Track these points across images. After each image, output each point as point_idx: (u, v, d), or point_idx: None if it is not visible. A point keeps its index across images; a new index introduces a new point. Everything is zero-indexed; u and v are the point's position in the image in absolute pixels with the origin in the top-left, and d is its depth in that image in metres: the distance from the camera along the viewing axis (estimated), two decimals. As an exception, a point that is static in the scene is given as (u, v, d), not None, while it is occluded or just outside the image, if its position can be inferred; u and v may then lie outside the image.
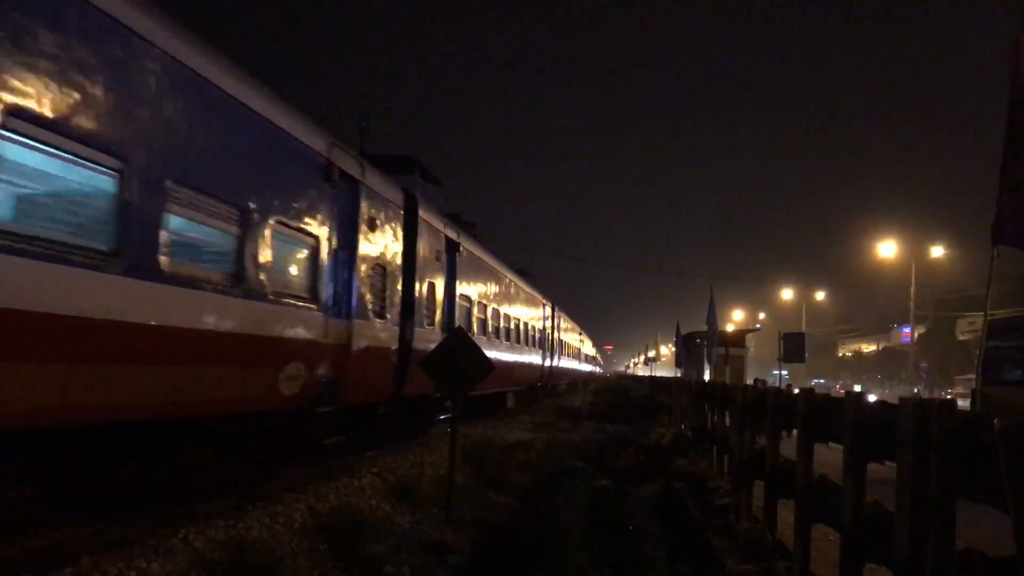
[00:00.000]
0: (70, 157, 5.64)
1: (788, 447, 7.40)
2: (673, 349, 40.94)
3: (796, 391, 7.44)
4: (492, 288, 20.72)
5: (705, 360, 23.62)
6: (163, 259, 6.60)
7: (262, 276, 8.15)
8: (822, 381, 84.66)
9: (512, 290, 24.29)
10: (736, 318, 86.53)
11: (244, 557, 6.34)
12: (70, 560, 5.90)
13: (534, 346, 29.03)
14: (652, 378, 51.57)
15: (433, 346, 10.62)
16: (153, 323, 6.53)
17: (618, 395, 41.57)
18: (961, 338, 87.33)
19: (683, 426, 19.55)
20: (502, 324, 22.02)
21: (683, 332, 33.05)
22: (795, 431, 6.78)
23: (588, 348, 69.94)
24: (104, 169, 5.92)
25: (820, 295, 78.77)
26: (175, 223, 6.82)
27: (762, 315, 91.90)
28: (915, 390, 59.10)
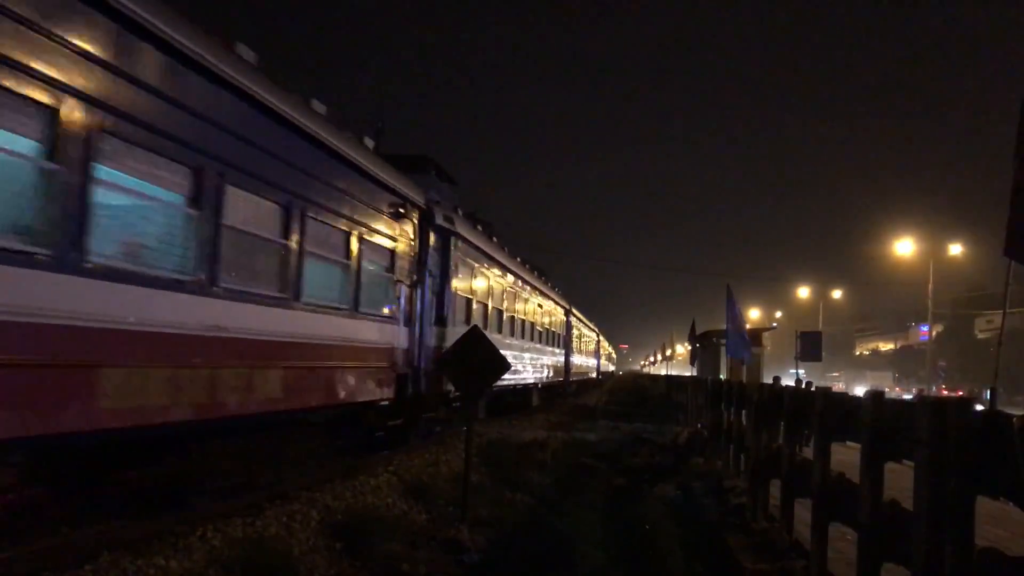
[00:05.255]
0: None
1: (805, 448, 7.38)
2: (688, 348, 40.81)
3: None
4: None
5: (723, 358, 23.43)
6: None
7: None
8: (841, 384, 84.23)
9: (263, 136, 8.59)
10: (753, 316, 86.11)
11: (261, 555, 6.38)
12: (90, 557, 5.97)
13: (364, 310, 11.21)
14: (668, 377, 51.44)
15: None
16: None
17: (634, 394, 41.47)
18: (980, 336, 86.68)
19: (699, 425, 19.49)
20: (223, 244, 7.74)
21: (699, 330, 32.91)
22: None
23: (587, 334, 47.84)
24: None
25: (837, 293, 78.34)
26: None
27: (779, 314, 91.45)
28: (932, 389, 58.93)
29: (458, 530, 8.41)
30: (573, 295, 41.04)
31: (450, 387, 14.29)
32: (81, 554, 6.04)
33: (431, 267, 14.30)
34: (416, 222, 13.66)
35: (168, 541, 6.60)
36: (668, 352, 78.20)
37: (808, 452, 7.04)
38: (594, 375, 56.21)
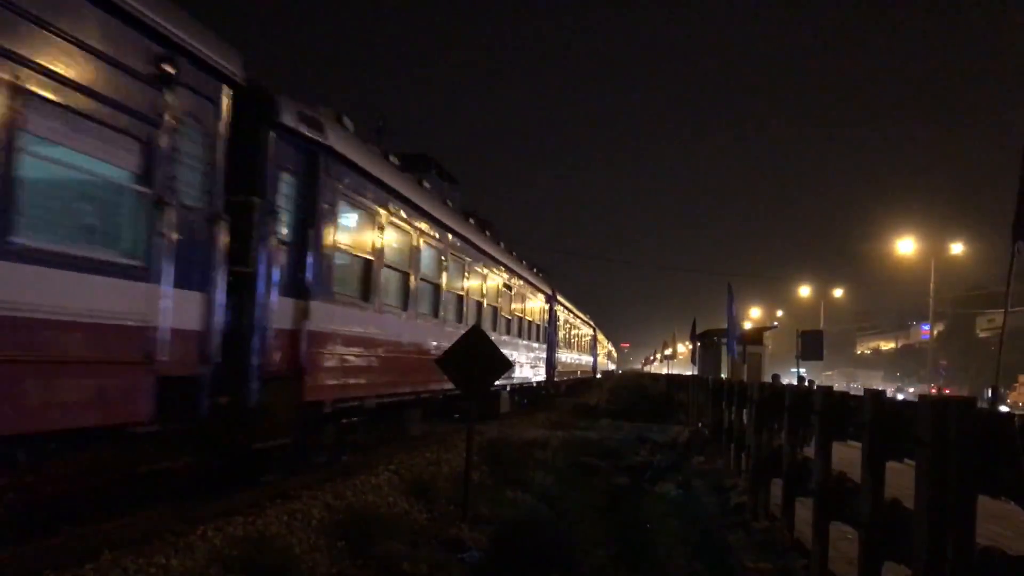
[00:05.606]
0: None
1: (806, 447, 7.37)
2: (689, 346, 40.74)
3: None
4: None
5: (724, 356, 23.45)
6: None
7: None
8: (844, 383, 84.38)
9: None
10: (754, 315, 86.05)
11: (262, 554, 6.38)
12: (91, 556, 5.97)
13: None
14: (669, 376, 51.42)
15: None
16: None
17: (635, 393, 41.42)
18: (981, 335, 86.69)
19: (700, 424, 19.50)
20: None
21: (700, 329, 32.94)
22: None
23: (578, 327, 40.69)
24: None
25: (838, 292, 78.37)
26: None
27: (780, 312, 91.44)
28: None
29: (459, 529, 8.41)
30: (579, 298, 39.91)
31: (326, 396, 9.79)
32: (82, 553, 6.04)
33: (276, 198, 8.67)
34: (226, 107, 7.76)
35: (169, 540, 6.60)
36: (669, 351, 78.19)
37: (809, 451, 7.04)
38: (590, 374, 49.98)
